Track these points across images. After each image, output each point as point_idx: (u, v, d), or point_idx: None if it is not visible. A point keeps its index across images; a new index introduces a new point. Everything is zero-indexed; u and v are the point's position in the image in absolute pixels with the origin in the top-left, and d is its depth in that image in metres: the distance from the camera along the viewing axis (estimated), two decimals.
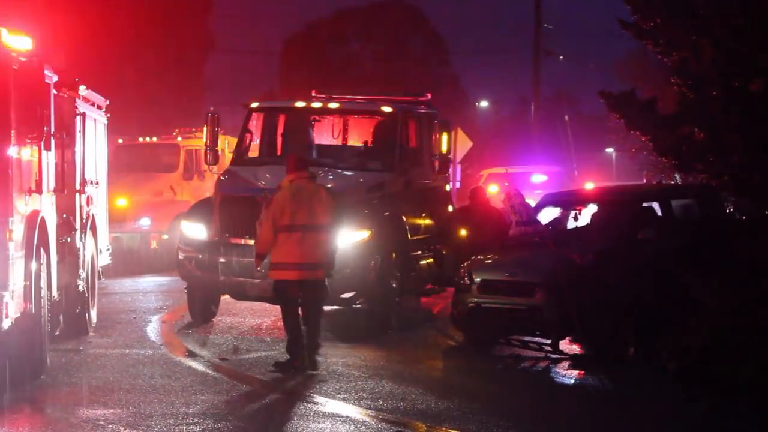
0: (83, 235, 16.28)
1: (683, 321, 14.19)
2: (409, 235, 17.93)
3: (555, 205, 17.59)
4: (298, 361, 13.90)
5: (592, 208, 17.02)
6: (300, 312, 14.18)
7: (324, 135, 19.45)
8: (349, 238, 16.72)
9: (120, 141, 29.76)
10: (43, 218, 13.15)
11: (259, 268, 14.72)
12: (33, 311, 12.75)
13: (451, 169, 20.51)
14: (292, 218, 13.89)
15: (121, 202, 28.00)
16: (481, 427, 11.28)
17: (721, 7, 16.37)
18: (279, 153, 18.84)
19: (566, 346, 15.50)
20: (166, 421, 11.25)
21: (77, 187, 16.07)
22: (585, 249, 15.43)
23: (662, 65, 20.35)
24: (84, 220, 16.36)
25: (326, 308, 18.46)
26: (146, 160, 29.96)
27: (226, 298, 17.97)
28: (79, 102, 16.23)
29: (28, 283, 12.54)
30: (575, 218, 17.10)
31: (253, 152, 18.80)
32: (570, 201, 17.99)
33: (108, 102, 18.46)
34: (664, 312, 14.76)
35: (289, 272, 13.97)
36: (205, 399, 12.34)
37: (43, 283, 13.18)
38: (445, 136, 18.67)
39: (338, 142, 19.47)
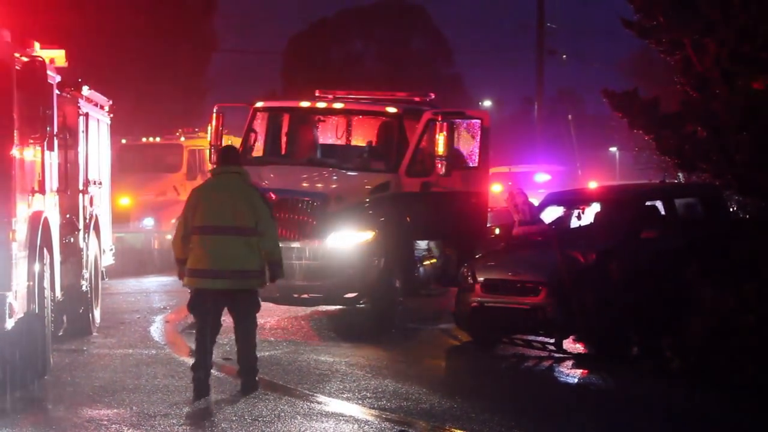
0: (86, 236, 16.28)
1: (686, 320, 14.18)
2: (412, 236, 17.89)
3: (558, 204, 17.58)
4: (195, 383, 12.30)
5: (595, 207, 17.01)
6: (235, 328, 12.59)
7: (328, 135, 19.43)
8: (352, 239, 16.74)
9: (123, 141, 29.75)
10: (46, 218, 13.15)
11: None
12: (36, 311, 12.76)
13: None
14: (205, 218, 12.22)
15: (125, 202, 28.00)
16: (485, 426, 11.27)
17: (724, 6, 16.34)
18: (283, 153, 18.86)
19: (569, 345, 15.49)
20: (169, 421, 11.25)
21: (80, 187, 16.08)
22: (588, 248, 15.42)
23: (665, 64, 20.33)
24: (87, 221, 16.36)
25: (330, 308, 18.67)
26: (149, 160, 29.95)
27: None
28: (82, 102, 16.23)
29: (31, 283, 12.55)
30: (578, 217, 17.10)
31: (257, 152, 18.79)
32: (573, 200, 17.98)
33: (111, 102, 18.46)
34: (667, 311, 14.77)
35: (202, 280, 12.25)
36: (208, 399, 12.34)
37: (47, 284, 13.19)
38: (442, 137, 17.40)
39: (342, 142, 19.45)
